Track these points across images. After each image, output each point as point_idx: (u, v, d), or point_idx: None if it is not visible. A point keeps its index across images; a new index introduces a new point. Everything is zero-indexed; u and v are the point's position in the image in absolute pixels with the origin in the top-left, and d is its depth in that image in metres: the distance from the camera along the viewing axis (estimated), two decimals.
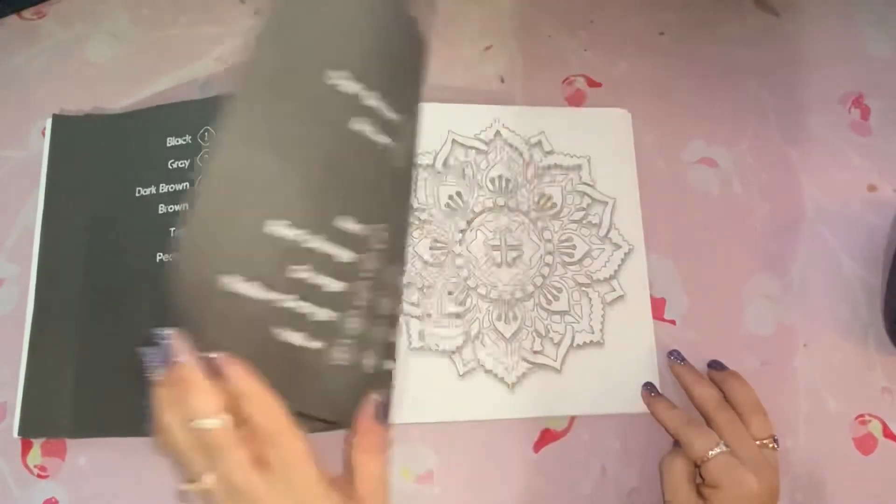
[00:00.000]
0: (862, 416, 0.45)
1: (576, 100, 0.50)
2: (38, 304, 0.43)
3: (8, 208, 0.46)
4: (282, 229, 0.30)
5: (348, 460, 0.34)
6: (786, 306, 0.47)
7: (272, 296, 0.30)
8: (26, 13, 0.50)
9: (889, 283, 0.46)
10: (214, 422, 0.30)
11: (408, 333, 0.43)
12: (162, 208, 0.44)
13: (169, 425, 0.31)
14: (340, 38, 0.32)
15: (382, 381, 0.35)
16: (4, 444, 0.42)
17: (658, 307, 0.46)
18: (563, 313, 0.45)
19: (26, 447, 0.42)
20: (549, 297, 0.45)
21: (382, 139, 0.33)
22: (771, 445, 0.40)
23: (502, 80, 0.50)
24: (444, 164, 0.47)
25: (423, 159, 0.47)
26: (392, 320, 0.36)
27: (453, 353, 0.43)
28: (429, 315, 0.44)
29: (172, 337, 0.30)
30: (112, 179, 0.45)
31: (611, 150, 0.48)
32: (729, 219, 0.48)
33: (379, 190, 0.33)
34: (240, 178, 0.29)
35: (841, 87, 0.52)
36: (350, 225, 0.32)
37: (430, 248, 0.45)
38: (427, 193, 0.46)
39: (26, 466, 0.42)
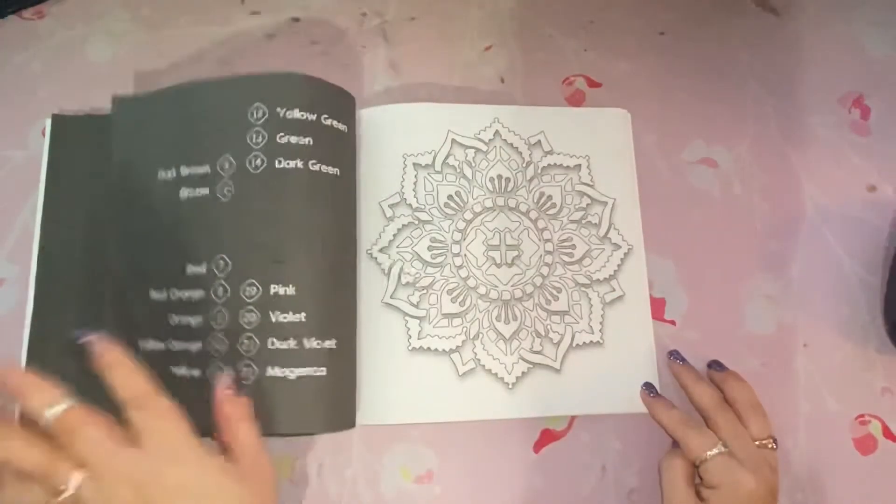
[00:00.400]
0: (862, 416, 0.45)
1: (576, 100, 0.50)
2: (37, 306, 0.43)
3: (8, 208, 0.46)
4: (155, 294, 0.40)
5: (219, 438, 0.35)
6: (786, 306, 0.47)
7: (162, 344, 0.40)
8: (26, 13, 0.50)
9: (889, 283, 0.46)
10: (62, 405, 0.31)
11: (407, 334, 0.43)
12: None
13: (18, 450, 0.30)
14: (158, 147, 0.43)
15: (267, 388, 0.38)
16: None
17: (658, 307, 0.46)
18: (562, 313, 0.45)
19: None
20: (549, 297, 0.45)
21: (201, 191, 0.41)
22: (770, 446, 0.40)
23: (502, 80, 0.50)
24: (444, 163, 0.47)
25: (422, 159, 0.47)
26: (264, 329, 0.39)
27: (453, 352, 0.43)
28: (428, 315, 0.44)
29: None
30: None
31: (610, 151, 0.48)
32: (729, 219, 0.48)
33: (209, 229, 0.41)
34: (129, 268, 0.41)
35: (841, 87, 0.52)
36: (195, 269, 0.40)
37: (429, 249, 0.45)
38: (426, 193, 0.46)
39: None
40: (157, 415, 0.33)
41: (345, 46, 0.51)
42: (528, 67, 0.51)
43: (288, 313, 0.39)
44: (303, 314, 0.39)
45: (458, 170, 0.47)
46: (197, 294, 0.40)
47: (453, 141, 0.47)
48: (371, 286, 0.44)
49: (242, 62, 0.50)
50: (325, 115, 0.43)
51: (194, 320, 0.39)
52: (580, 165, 0.48)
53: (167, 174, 0.42)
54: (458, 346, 0.43)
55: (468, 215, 0.46)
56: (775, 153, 0.50)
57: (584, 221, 0.47)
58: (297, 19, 0.51)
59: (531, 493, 0.43)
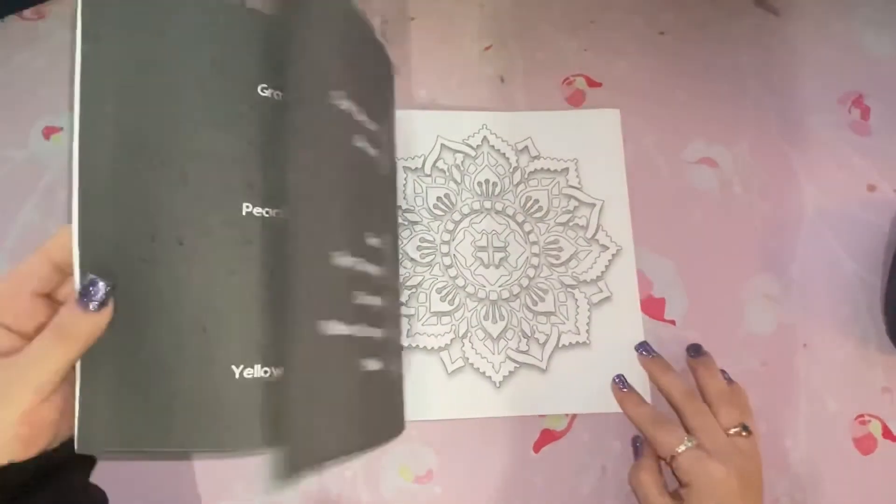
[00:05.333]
0: (862, 416, 0.45)
1: (575, 100, 0.50)
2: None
3: (8, 208, 0.46)
4: (341, 258, 0.30)
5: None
6: (786, 306, 0.47)
7: (351, 329, 0.29)
8: (26, 13, 0.50)
9: (889, 283, 0.46)
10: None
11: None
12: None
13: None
14: (334, 60, 0.31)
15: (400, 383, 0.39)
16: None
17: (658, 307, 0.46)
18: (548, 314, 0.45)
19: None
20: (535, 297, 0.45)
21: (373, 151, 0.34)
22: (743, 434, 0.39)
23: (502, 80, 0.50)
24: (433, 167, 0.47)
25: (412, 163, 0.47)
26: (398, 320, 0.40)
27: (441, 350, 0.44)
28: (417, 313, 0.44)
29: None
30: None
31: (599, 151, 0.48)
32: (729, 219, 0.48)
33: (379, 201, 0.35)
34: (302, 222, 0.29)
35: (841, 87, 0.52)
36: (373, 240, 0.32)
37: (419, 248, 0.46)
38: (416, 195, 0.47)
39: None
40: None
41: None
42: (528, 67, 0.51)
43: None
44: (408, 307, 0.43)
45: (448, 173, 0.47)
46: (374, 270, 0.31)
47: (443, 146, 0.48)
48: None
49: None
50: None
51: (376, 301, 0.32)
52: (567, 169, 0.48)
53: (344, 104, 0.32)
54: (446, 345, 0.44)
55: (456, 216, 0.47)
56: (775, 153, 0.50)
57: (570, 224, 0.47)
58: None
59: (531, 493, 0.43)
